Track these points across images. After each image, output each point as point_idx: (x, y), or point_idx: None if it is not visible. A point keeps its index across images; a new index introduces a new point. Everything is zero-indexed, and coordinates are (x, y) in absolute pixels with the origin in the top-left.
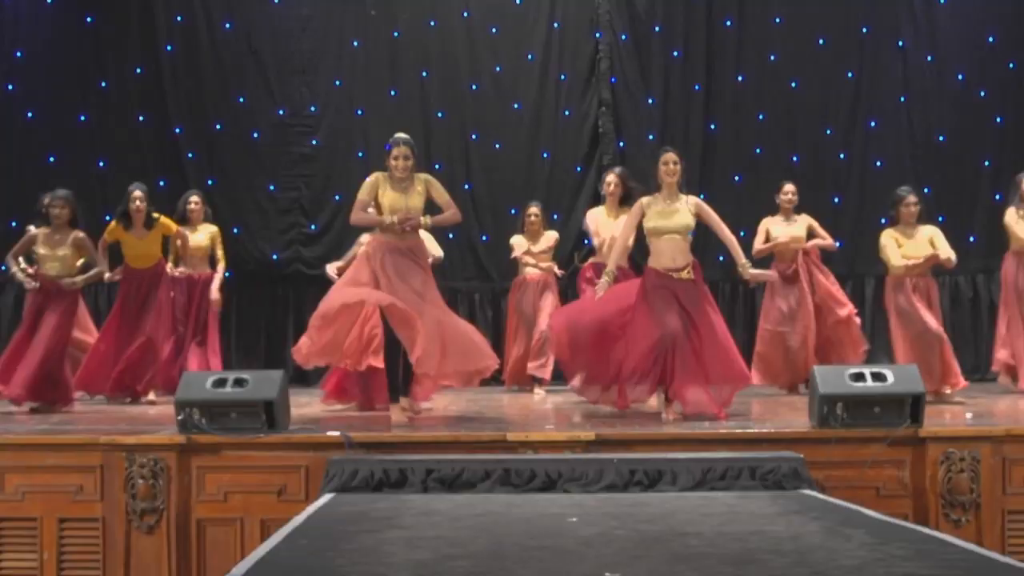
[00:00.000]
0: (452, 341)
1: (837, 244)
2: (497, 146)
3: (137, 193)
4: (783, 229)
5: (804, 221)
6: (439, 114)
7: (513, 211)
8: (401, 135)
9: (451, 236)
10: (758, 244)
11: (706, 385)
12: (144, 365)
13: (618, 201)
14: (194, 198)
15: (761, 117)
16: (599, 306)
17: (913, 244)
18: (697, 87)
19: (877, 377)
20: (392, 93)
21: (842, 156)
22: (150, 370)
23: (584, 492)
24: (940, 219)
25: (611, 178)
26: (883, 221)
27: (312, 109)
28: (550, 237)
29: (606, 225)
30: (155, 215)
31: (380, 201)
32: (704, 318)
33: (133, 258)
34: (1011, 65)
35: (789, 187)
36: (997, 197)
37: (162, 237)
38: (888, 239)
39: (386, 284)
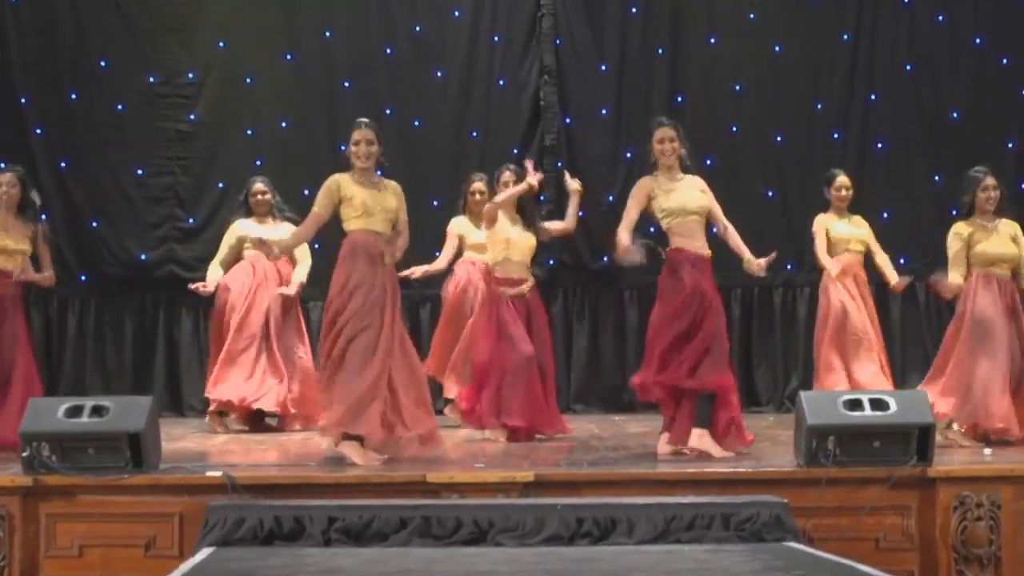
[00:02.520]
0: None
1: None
2: (416, 123)
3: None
4: (846, 229)
5: (862, 224)
6: (345, 83)
7: (435, 203)
8: (363, 119)
9: None
10: (820, 249)
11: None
12: None
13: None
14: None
15: (738, 88)
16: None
17: (997, 240)
18: (661, 51)
19: (877, 405)
20: (288, 57)
21: (836, 136)
22: None
23: (521, 545)
24: (953, 212)
25: (507, 176)
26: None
27: (190, 76)
28: None
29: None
30: None
31: (351, 204)
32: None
33: None
34: None
35: (843, 179)
36: (1023, 187)
37: None
38: (955, 233)
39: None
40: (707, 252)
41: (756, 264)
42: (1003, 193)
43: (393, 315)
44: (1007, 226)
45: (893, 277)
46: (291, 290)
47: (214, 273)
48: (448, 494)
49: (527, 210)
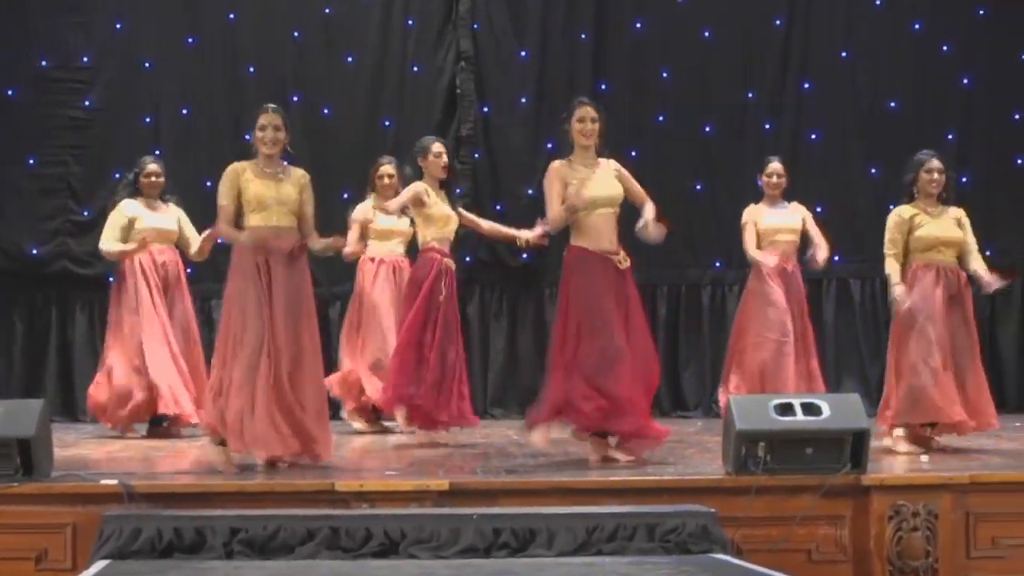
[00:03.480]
0: None
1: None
2: (326, 111)
3: None
4: (775, 220)
5: (798, 210)
6: (250, 69)
7: (345, 195)
8: (270, 104)
9: None
10: (749, 244)
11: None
12: None
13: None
14: None
15: (665, 75)
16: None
17: (939, 224)
18: (584, 36)
19: (809, 409)
20: (190, 41)
21: (767, 126)
22: None
23: (435, 558)
24: (891, 206)
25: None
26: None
27: (85, 60)
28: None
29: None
30: None
31: (244, 197)
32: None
33: None
34: (980, 12)
35: (776, 166)
36: (963, 180)
37: None
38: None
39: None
40: (615, 248)
41: (651, 225)
42: (950, 180)
43: (284, 321)
44: (952, 211)
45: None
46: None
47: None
48: (358, 503)
49: (446, 193)
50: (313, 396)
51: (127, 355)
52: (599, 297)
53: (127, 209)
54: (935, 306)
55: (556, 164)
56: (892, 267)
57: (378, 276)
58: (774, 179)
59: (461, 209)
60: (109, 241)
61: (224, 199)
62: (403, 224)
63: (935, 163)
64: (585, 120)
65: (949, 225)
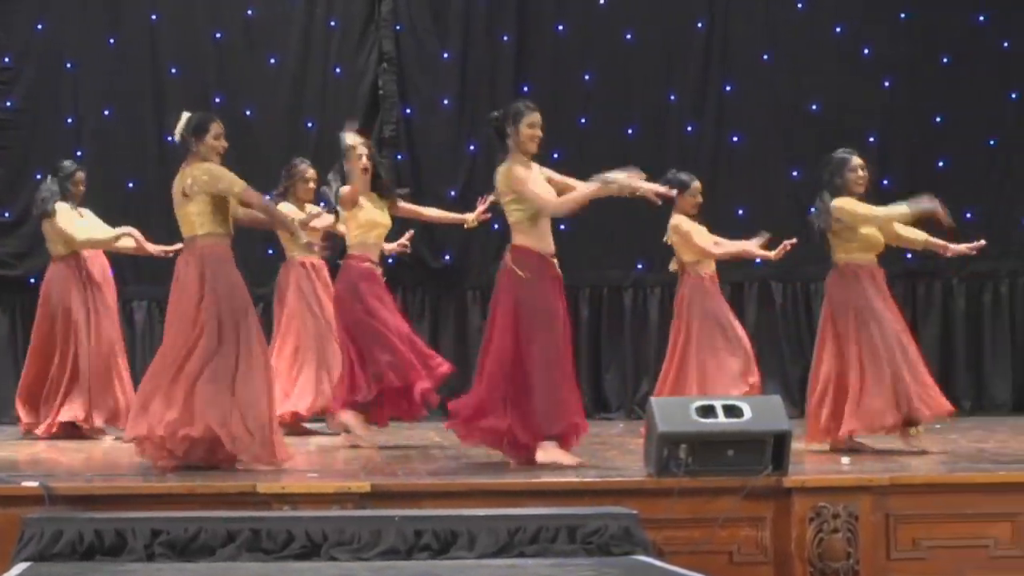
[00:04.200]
0: None
1: None
2: (248, 112)
3: None
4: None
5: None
6: (172, 70)
7: (268, 196)
8: (209, 113)
9: None
10: (715, 246)
11: None
12: None
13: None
14: None
15: (587, 78)
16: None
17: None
18: (506, 38)
19: (731, 411)
20: (111, 42)
21: (689, 128)
22: None
23: (356, 560)
24: (811, 209)
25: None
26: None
27: (6, 60)
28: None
29: None
30: None
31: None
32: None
33: None
34: (903, 15)
35: (696, 185)
36: (885, 182)
37: None
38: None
39: None
40: (554, 251)
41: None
42: (870, 177)
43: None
44: None
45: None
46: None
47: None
48: (279, 505)
49: (382, 184)
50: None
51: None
52: (548, 298)
53: (70, 213)
54: (880, 306)
55: (517, 166)
56: (891, 208)
57: (299, 278)
58: (698, 198)
59: (401, 202)
60: (96, 231)
61: (239, 183)
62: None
63: (858, 160)
64: (536, 126)
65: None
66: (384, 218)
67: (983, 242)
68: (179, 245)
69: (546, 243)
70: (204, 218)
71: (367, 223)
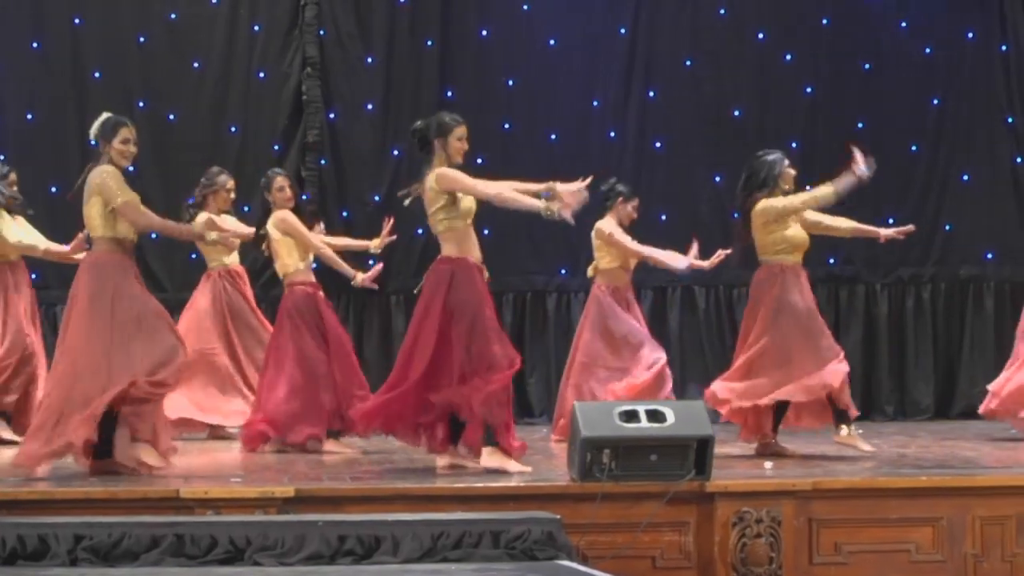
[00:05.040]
0: None
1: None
2: (171, 117)
3: None
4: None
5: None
6: (96, 74)
7: (191, 200)
8: (122, 117)
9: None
10: (637, 245)
11: None
12: None
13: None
14: None
15: (511, 83)
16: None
17: (798, 227)
18: (429, 43)
19: (654, 416)
20: (34, 46)
21: (612, 134)
22: None
23: (280, 564)
24: (734, 215)
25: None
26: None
27: None
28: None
29: None
30: None
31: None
32: None
33: None
34: (824, 21)
35: (636, 201)
36: (807, 188)
37: None
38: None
39: None
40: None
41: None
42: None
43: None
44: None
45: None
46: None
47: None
48: (203, 510)
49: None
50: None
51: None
52: (481, 305)
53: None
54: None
55: (442, 168)
56: (813, 192)
57: (215, 288)
58: (633, 213)
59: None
60: (36, 238)
61: (129, 193)
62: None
63: (779, 158)
64: (464, 139)
65: (800, 227)
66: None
67: (912, 227)
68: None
69: (475, 251)
70: (100, 220)
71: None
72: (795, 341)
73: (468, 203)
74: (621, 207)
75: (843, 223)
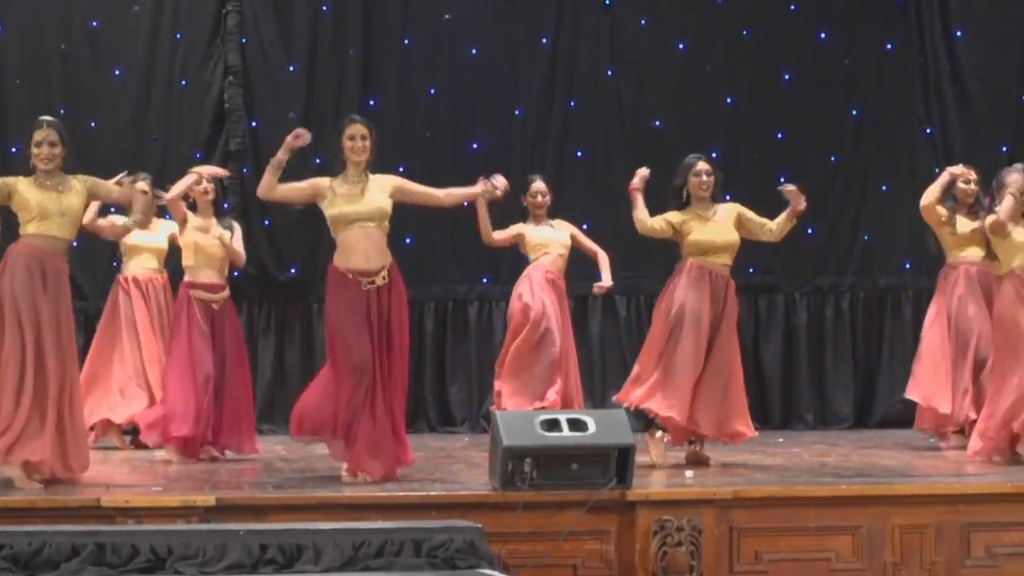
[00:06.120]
0: None
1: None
2: (92, 124)
3: None
4: (544, 235)
5: (564, 227)
6: (17, 81)
7: (113, 209)
8: (45, 117)
9: None
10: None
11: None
12: None
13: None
14: None
15: (433, 92)
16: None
17: (713, 228)
18: (352, 51)
19: (575, 425)
20: None
21: (534, 143)
22: None
23: (201, 574)
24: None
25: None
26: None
27: None
28: (165, 227)
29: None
30: None
31: (26, 207)
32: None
33: None
34: (744, 32)
35: (538, 185)
36: (727, 198)
37: None
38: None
39: None
40: (371, 267)
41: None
42: (718, 179)
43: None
44: (726, 211)
45: (606, 279)
46: None
47: None
48: (124, 519)
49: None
50: (79, 412)
51: None
52: (341, 314)
53: None
54: (703, 310)
55: (323, 180)
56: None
57: (132, 294)
58: (538, 199)
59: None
60: None
61: None
62: (159, 240)
63: (702, 165)
64: (355, 137)
65: (723, 228)
66: (217, 243)
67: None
68: None
69: (355, 258)
70: (21, 222)
71: (189, 245)
72: None
73: (346, 207)
74: (529, 202)
75: (770, 226)
